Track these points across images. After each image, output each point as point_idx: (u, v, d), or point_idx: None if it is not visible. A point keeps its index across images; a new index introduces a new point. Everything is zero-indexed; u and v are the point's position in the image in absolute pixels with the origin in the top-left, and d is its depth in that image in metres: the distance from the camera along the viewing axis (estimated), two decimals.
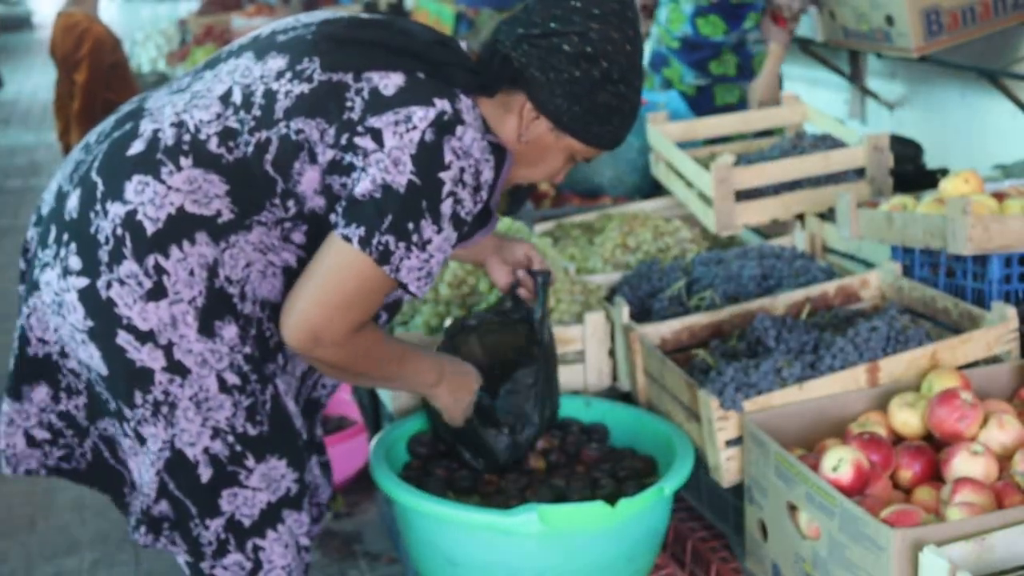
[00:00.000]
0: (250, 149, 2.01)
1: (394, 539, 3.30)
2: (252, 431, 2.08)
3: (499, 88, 2.10)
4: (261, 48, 2.10)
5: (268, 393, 2.10)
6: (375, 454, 2.42)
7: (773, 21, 4.39)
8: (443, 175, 1.98)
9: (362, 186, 1.97)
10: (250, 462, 2.09)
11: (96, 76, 6.62)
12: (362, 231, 1.97)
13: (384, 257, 1.98)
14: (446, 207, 2.00)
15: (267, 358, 2.12)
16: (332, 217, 2.04)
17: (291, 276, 2.09)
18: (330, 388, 2.35)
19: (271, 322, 2.12)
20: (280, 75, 2.03)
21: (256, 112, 2.02)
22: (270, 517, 2.12)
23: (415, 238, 1.98)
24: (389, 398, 2.72)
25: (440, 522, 2.25)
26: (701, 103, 4.40)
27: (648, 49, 4.67)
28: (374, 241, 1.97)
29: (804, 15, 4.77)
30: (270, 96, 2.02)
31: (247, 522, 2.11)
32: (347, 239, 1.98)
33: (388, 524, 3.31)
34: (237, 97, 2.04)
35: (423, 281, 2.04)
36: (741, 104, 4.50)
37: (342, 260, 2.00)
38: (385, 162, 1.96)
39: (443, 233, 2.02)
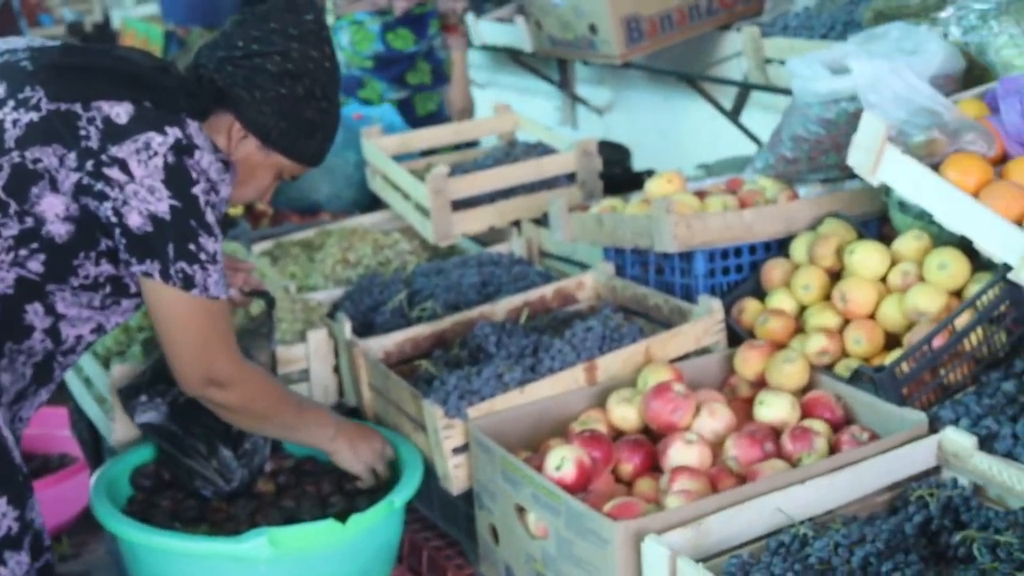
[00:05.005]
0: None
1: None
2: None
3: (209, 110, 2.12)
4: None
5: None
6: (95, 490, 2.34)
7: (445, 31, 4.52)
8: (195, 189, 2.01)
9: (133, 220, 1.99)
10: None
11: None
12: (157, 265, 2.01)
13: (188, 283, 2.02)
14: (210, 216, 2.04)
15: None
16: (121, 256, 2.04)
17: (8, 306, 2.03)
18: (26, 421, 2.27)
19: None
20: (2, 103, 2.00)
21: None
22: None
23: (203, 256, 2.02)
24: (109, 431, 2.64)
25: (168, 555, 2.19)
26: (404, 115, 4.46)
27: None
28: (171, 272, 2.01)
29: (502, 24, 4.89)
30: None
31: None
32: (148, 275, 2.01)
33: (117, 562, 3.20)
34: None
35: (225, 286, 2.10)
36: (440, 111, 4.58)
37: (162, 303, 2.05)
38: (142, 193, 1.98)
39: (219, 240, 2.06)
